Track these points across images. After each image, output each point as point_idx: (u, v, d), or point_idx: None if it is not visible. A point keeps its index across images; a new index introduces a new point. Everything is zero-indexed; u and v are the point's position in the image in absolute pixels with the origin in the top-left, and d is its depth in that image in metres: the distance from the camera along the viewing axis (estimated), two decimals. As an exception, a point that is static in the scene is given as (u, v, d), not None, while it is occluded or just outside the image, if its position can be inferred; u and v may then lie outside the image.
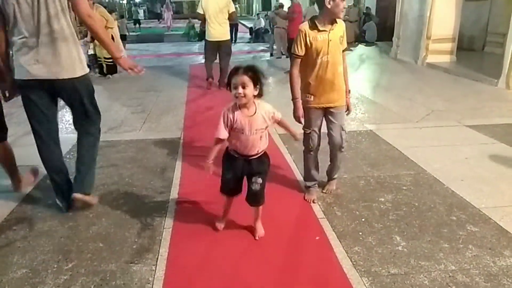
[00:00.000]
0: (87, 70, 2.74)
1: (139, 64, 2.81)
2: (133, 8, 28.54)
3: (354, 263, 2.28)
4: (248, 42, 16.87)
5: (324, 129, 2.93)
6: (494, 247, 2.42)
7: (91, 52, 8.19)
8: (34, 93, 2.60)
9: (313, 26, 2.69)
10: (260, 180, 2.36)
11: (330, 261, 2.32)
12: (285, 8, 10.93)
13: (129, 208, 2.92)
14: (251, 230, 2.54)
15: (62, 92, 2.66)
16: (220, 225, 2.60)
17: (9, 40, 2.58)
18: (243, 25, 20.92)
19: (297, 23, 7.08)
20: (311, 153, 2.98)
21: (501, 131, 4.46)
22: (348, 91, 2.90)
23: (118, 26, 9.07)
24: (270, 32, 13.88)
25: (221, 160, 2.41)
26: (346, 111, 2.95)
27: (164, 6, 26.12)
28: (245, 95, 2.15)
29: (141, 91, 6.82)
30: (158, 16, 31.81)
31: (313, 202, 2.96)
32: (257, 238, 2.49)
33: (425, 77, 7.94)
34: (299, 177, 3.35)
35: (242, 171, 2.39)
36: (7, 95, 2.78)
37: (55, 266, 2.29)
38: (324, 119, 2.89)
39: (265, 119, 2.27)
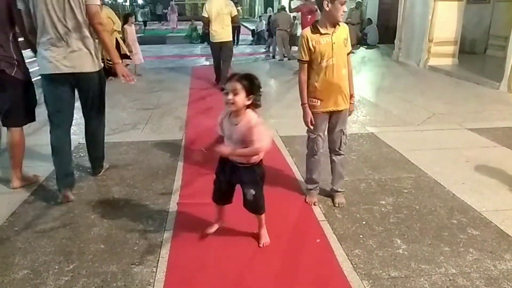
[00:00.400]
0: (102, 65, 3.19)
1: (132, 74, 3.18)
2: (139, 10, 28.52)
3: (355, 266, 2.29)
4: (250, 44, 16.89)
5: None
6: (495, 250, 2.42)
7: None
8: (59, 87, 2.99)
9: (315, 30, 2.69)
10: (252, 192, 2.29)
11: (331, 264, 2.32)
12: (285, 9, 11.05)
13: (130, 210, 2.93)
14: (256, 236, 2.51)
15: (84, 83, 3.07)
16: (210, 230, 2.55)
17: (36, 41, 2.96)
18: (245, 27, 20.93)
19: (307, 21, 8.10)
20: (315, 157, 2.98)
21: (503, 135, 4.46)
22: (351, 96, 2.89)
23: (136, 30, 9.06)
24: (269, 35, 13.81)
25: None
26: None
27: (169, 8, 26.48)
28: (234, 102, 2.09)
29: (143, 93, 6.85)
30: (160, 18, 31.91)
31: (314, 204, 2.96)
32: (261, 245, 2.46)
33: (427, 80, 7.94)
34: (300, 179, 3.36)
35: (230, 176, 2.35)
36: None
37: (56, 267, 2.30)
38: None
39: (248, 133, 2.13)
